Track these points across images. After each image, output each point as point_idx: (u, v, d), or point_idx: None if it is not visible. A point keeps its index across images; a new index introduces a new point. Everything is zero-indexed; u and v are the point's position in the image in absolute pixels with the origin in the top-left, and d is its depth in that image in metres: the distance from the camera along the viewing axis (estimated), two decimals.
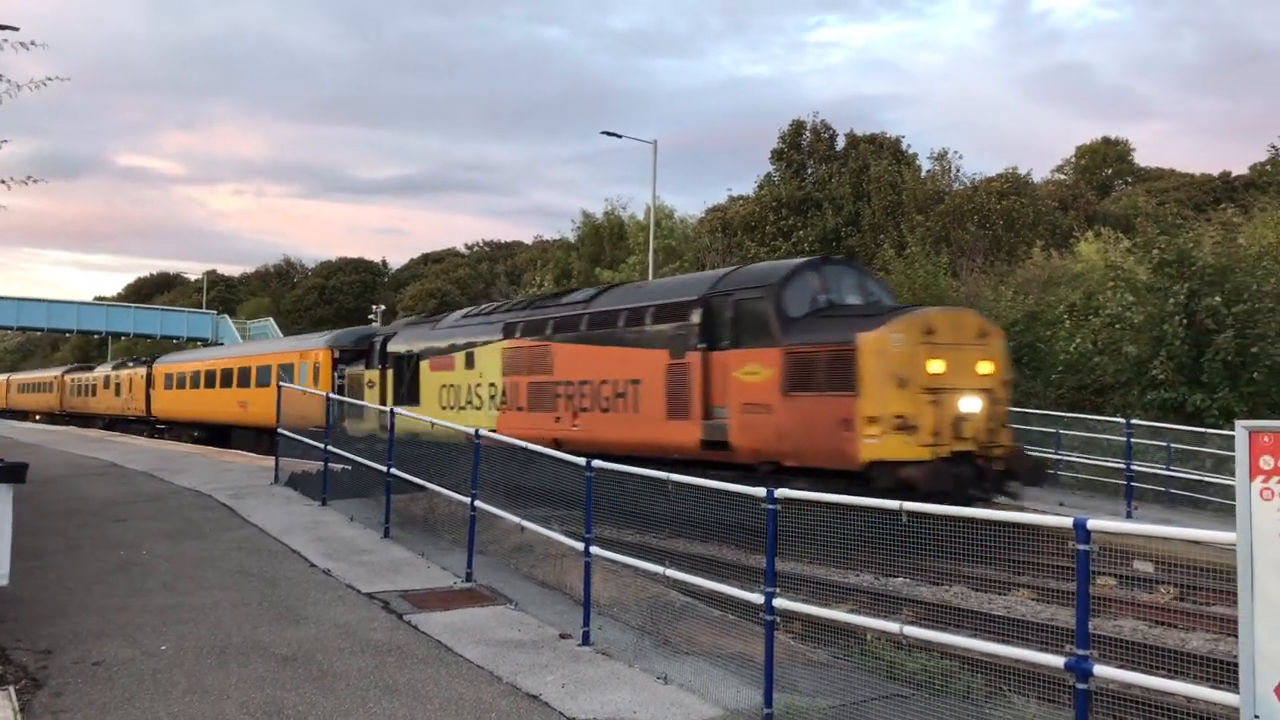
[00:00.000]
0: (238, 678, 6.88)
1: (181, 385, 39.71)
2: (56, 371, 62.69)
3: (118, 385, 47.22)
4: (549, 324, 19.35)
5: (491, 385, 20.39)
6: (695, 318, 15.87)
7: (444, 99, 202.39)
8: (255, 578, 9.96)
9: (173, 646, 7.58)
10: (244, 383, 33.41)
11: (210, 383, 36.88)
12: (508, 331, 20.27)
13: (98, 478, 17.97)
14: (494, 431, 17.16)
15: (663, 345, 16.36)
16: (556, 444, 15.62)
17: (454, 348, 22.01)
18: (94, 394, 50.62)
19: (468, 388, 21.28)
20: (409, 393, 23.24)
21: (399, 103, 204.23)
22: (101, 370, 52.17)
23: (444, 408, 21.80)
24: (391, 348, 24.65)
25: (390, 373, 24.41)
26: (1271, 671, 4.12)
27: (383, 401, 23.75)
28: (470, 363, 21.26)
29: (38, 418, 60.70)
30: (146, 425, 42.36)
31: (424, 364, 23.10)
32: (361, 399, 24.60)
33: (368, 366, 25.85)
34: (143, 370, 44.42)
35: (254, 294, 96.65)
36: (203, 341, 64.01)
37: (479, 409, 20.68)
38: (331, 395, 15.55)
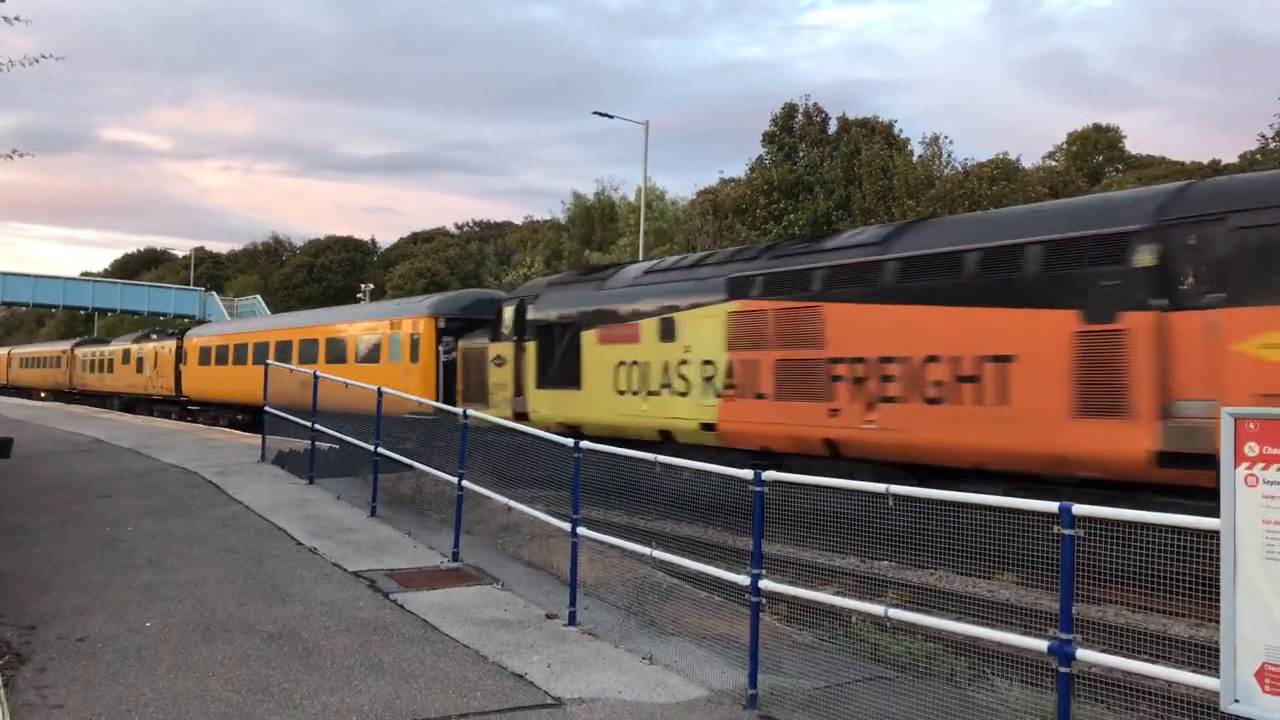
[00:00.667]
0: (223, 655, 6.87)
1: (222, 361, 34.30)
2: (65, 345, 58.26)
3: (140, 360, 42.68)
4: (816, 276, 14.25)
5: (707, 363, 15.55)
6: (1141, 257, 10.66)
7: (435, 78, 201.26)
8: (241, 555, 9.94)
9: (158, 623, 7.57)
10: (308, 358, 28.07)
11: (260, 358, 31.07)
12: (737, 289, 15.34)
13: (84, 454, 17.90)
14: (710, 426, 15.47)
15: (1065, 302, 11.28)
16: (831, 446, 13.75)
17: (638, 314, 17.10)
18: (110, 370, 46.52)
19: (663, 366, 16.39)
20: (563, 372, 18.60)
21: (390, 81, 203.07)
22: (120, 343, 47.44)
23: (621, 392, 17.21)
24: (534, 314, 19.72)
25: (532, 346, 19.56)
26: (1252, 656, 4.15)
27: (519, 384, 19.79)
28: (668, 333, 16.44)
29: (43, 395, 56.70)
30: (175, 406, 38.19)
31: (588, 335, 18.11)
32: (484, 379, 20.82)
33: (494, 339, 20.86)
34: (171, 343, 39.62)
35: (242, 271, 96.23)
36: (190, 319, 63.63)
37: (683, 394, 16.01)
38: (319, 374, 15.44)
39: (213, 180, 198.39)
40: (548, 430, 10.28)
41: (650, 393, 16.62)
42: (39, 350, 64.14)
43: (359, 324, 26.78)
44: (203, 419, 34.13)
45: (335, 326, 28.10)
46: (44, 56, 12.16)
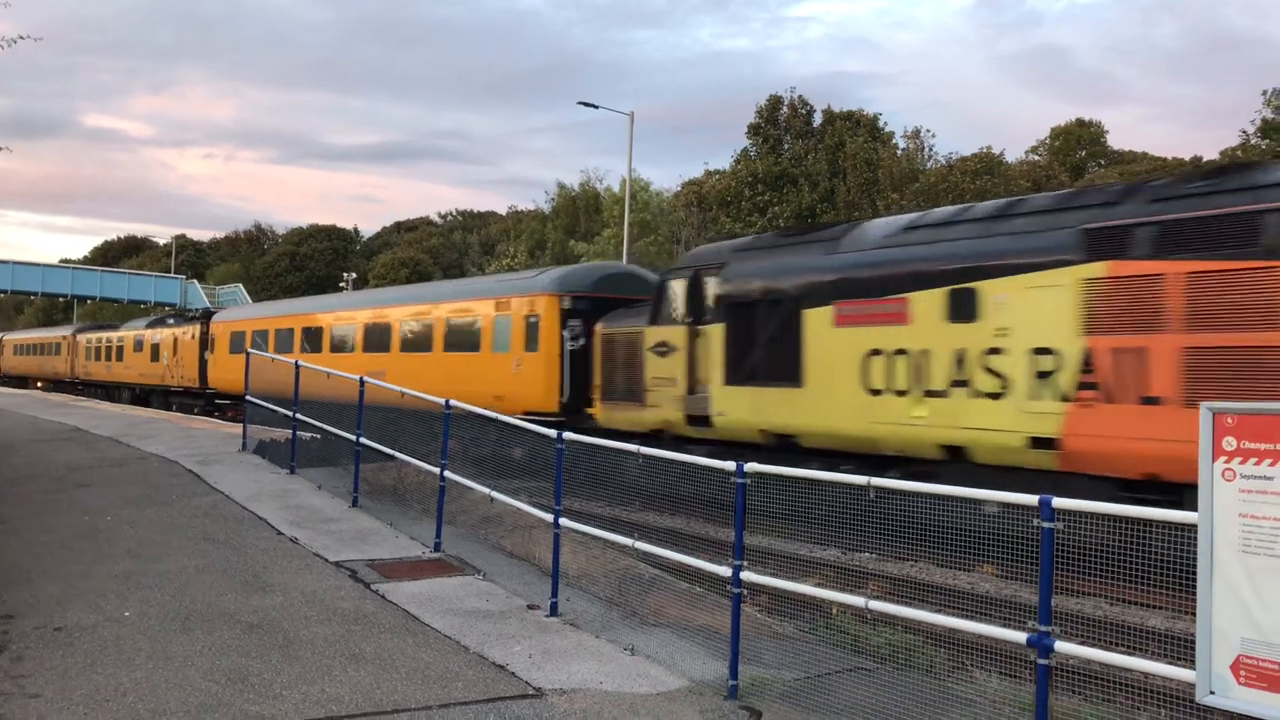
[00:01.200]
0: (202, 645, 6.84)
1: (260, 349, 27.61)
2: (66, 330, 52.93)
3: (155, 347, 37.89)
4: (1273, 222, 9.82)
5: (1042, 352, 11.42)
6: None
7: (420, 67, 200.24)
8: (221, 545, 9.89)
9: (136, 613, 7.52)
10: (376, 345, 23.94)
11: (314, 344, 26.31)
12: (1102, 245, 11.05)
13: (62, 443, 17.76)
14: (1047, 442, 11.25)
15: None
16: None
17: (905, 283, 12.88)
18: (119, 358, 42.06)
19: (954, 356, 12.27)
20: (771, 364, 14.56)
21: (374, 69, 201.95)
22: (131, 328, 42.53)
23: (876, 391, 13.13)
24: (720, 288, 15.63)
25: (717, 330, 15.49)
26: (1227, 649, 4.19)
27: (695, 379, 15.89)
28: (963, 309, 12.23)
29: (40, 385, 52.45)
30: (198, 400, 33.56)
31: (814, 315, 13.94)
32: (637, 373, 17.02)
33: (655, 321, 16.82)
34: (194, 328, 34.42)
35: (223, 260, 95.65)
36: (170, 306, 63.10)
37: (994, 395, 11.86)
38: (301, 363, 15.35)
39: (194, 168, 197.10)
40: (743, 439, 8.65)
41: (931, 393, 12.51)
42: (36, 336, 59.03)
43: (449, 304, 22.00)
44: (234, 414, 28.14)
45: (416, 308, 23.08)
46: (21, 37, 12.02)
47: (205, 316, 35.51)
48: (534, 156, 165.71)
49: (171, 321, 39.64)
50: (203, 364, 33.55)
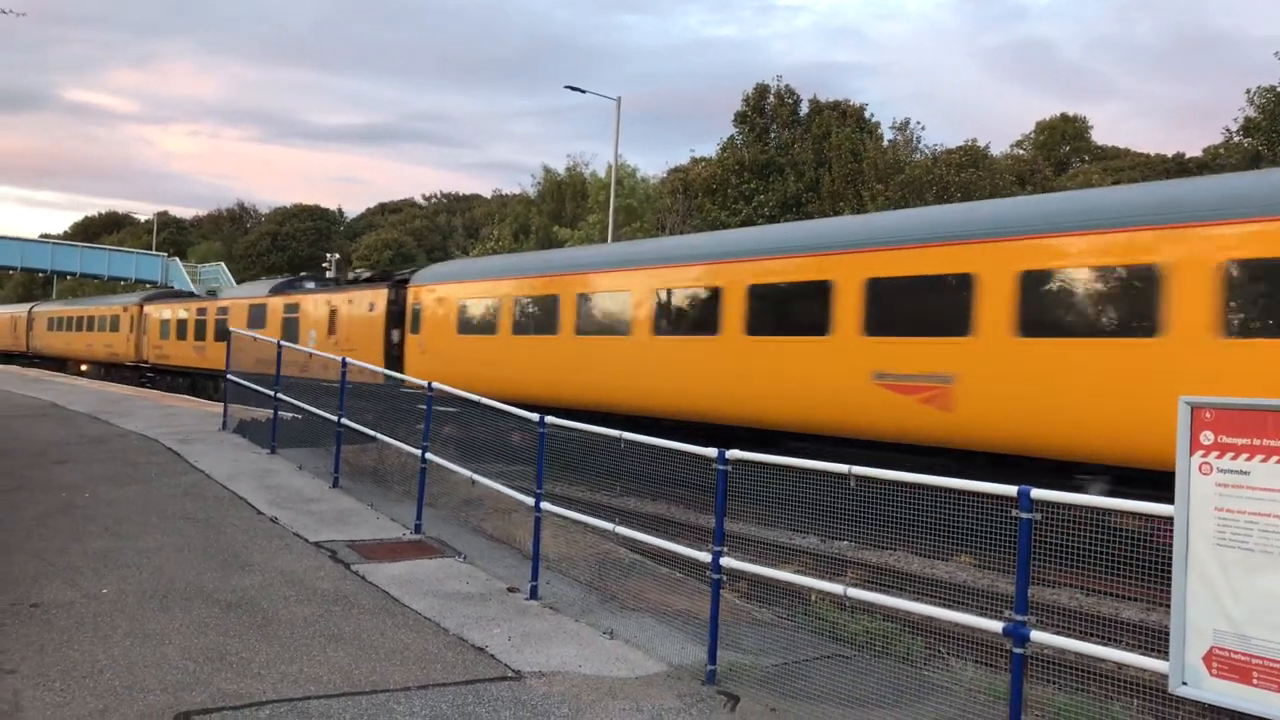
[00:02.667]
0: (180, 623, 6.82)
1: (522, 329, 19.92)
2: (128, 300, 41.53)
3: (290, 323, 27.83)
4: None
5: None
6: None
7: (404, 47, 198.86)
8: (200, 523, 9.85)
9: (114, 590, 7.49)
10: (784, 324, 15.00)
11: (604, 319, 17.98)
12: None
13: (39, 418, 17.62)
14: None
15: None
16: None
17: None
18: (218, 337, 30.62)
19: None
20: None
21: (358, 49, 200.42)
22: (239, 296, 32.15)
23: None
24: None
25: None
26: (1200, 640, 4.25)
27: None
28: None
29: (85, 369, 42.79)
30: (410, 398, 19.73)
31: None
32: None
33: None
34: (379, 296, 24.45)
35: (205, 238, 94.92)
36: (151, 284, 62.36)
37: None
38: (283, 342, 15.26)
39: (177, 145, 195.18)
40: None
41: None
42: (81, 308, 46.93)
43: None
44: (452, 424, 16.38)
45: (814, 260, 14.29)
46: (4, 11, 11.85)
47: (394, 279, 25.33)
48: (517, 140, 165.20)
49: (310, 285, 29.39)
50: (394, 348, 23.76)
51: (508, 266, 22.05)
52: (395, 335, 23.81)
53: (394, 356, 23.52)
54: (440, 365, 21.68)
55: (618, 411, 16.21)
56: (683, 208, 44.17)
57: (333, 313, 26.20)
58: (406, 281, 24.25)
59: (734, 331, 15.43)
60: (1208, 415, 4.32)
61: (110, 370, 40.22)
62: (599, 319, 18.24)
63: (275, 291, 29.74)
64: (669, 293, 16.92)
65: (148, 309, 38.11)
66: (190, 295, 39.73)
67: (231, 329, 18.16)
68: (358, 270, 30.15)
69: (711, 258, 16.29)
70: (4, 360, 51.47)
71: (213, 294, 36.45)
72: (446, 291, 22.73)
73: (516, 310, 20.26)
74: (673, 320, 16.81)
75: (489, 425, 10.66)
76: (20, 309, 57.10)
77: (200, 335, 33.18)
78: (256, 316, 29.54)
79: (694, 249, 17.34)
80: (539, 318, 19.71)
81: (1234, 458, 4.22)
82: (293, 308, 28.10)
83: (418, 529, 10.12)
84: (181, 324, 34.90)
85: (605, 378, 17.75)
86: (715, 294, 15.85)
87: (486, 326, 21.07)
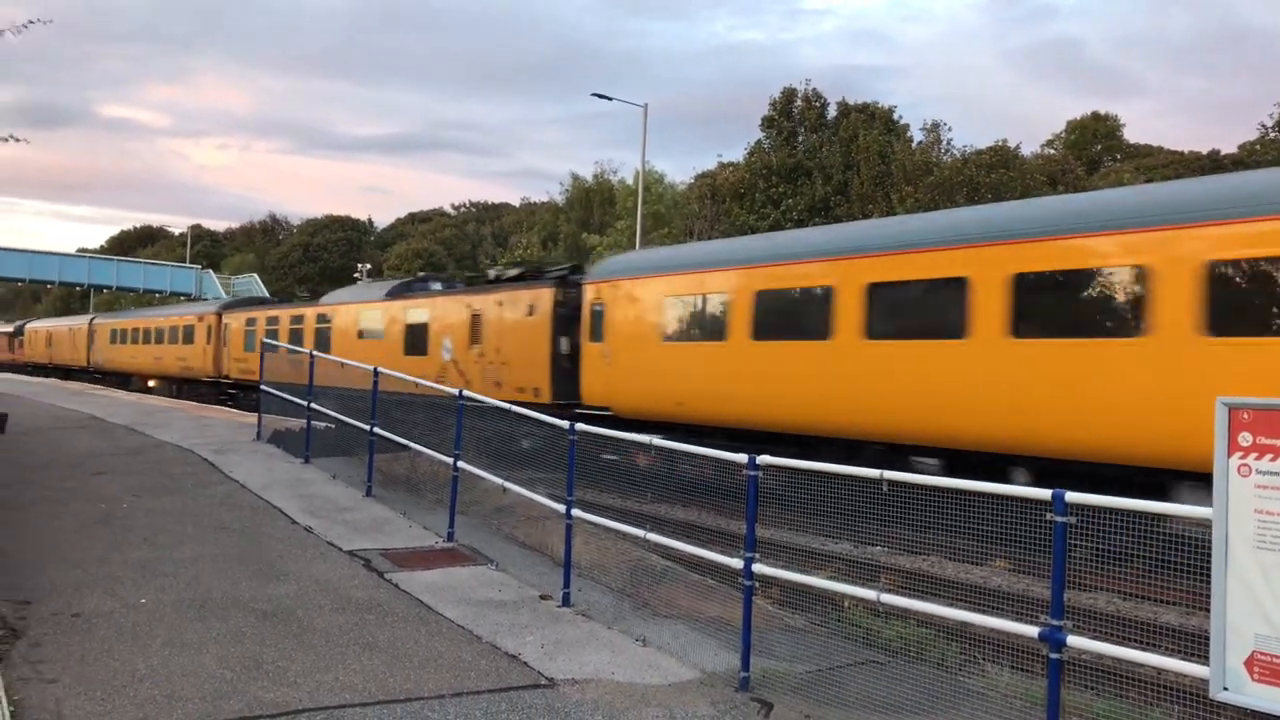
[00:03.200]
0: (217, 632, 6.89)
1: (765, 333, 15.59)
2: (205, 308, 37.80)
3: (415, 332, 23.75)
4: None
5: None
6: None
7: (432, 57, 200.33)
8: (236, 533, 9.95)
9: (152, 600, 7.58)
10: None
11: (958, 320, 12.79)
12: None
13: (79, 430, 17.88)
14: None
15: None
16: None
17: None
18: (327, 348, 25.28)
19: None
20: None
21: (386, 59, 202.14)
22: (352, 296, 28.21)
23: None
24: None
25: None
26: (1241, 644, 4.18)
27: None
28: None
29: (153, 385, 38.95)
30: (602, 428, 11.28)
31: None
32: None
33: None
34: (542, 296, 20.04)
35: (238, 250, 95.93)
36: (185, 296, 63.00)
37: None
38: (316, 353, 15.40)
39: (209, 158, 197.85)
40: None
41: None
42: (148, 318, 42.59)
43: None
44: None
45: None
46: (31, 22, 12.04)
47: (537, 274, 21.68)
48: (545, 148, 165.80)
49: (435, 285, 25.55)
50: (559, 360, 19.52)
51: (744, 251, 17.07)
52: (564, 344, 19.48)
53: (563, 370, 19.31)
54: (636, 381, 17.64)
55: (952, 445, 12.72)
56: (710, 213, 44.13)
57: (475, 318, 21.88)
58: (576, 277, 20.28)
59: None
60: (1245, 416, 4.26)
61: (184, 387, 36.12)
62: (908, 318, 13.75)
63: (393, 295, 25.46)
64: (1039, 279, 12.14)
65: (227, 318, 34.28)
66: (278, 301, 37.04)
67: (264, 340, 18.30)
68: (499, 268, 24.65)
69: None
70: (63, 376, 48.59)
71: (310, 298, 33.35)
72: (644, 288, 17.95)
73: (759, 308, 15.64)
74: (1055, 316, 12.11)
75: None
76: (80, 321, 53.23)
77: (185, 340, 30.64)
78: (370, 324, 25.68)
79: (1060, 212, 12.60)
80: (799, 317, 15.13)
81: (1274, 459, 4.15)
82: (419, 312, 23.93)
83: (450, 537, 10.16)
84: (271, 335, 30.04)
85: (918, 399, 13.14)
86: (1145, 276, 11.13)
87: (709, 329, 16.62)
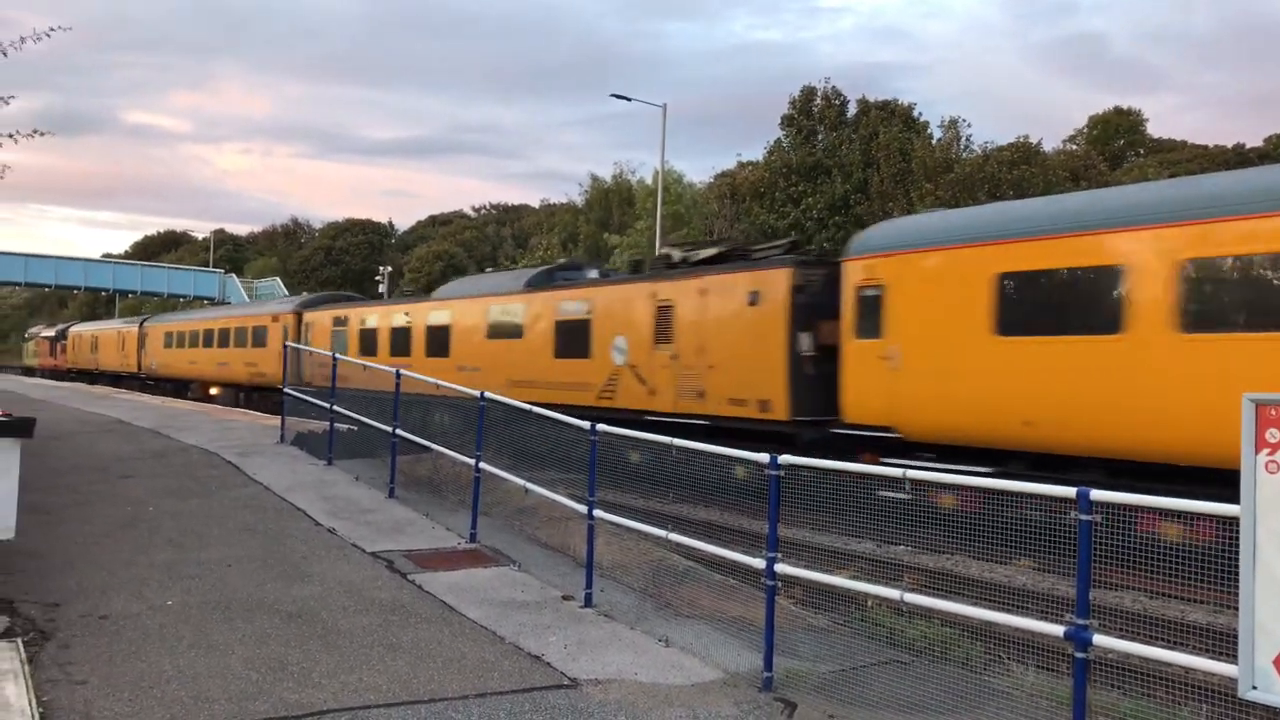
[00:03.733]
0: (242, 633, 6.94)
1: (1218, 316, 11.01)
2: (280, 306, 33.99)
3: (561, 328, 20.21)
4: None
5: None
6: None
7: (450, 60, 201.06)
8: (260, 535, 10.02)
9: (179, 601, 7.64)
10: None
11: None
12: None
13: (105, 434, 18.05)
14: None
15: None
16: None
17: None
18: (444, 350, 23.55)
19: None
20: None
21: (405, 62, 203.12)
22: (476, 289, 24.34)
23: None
24: None
25: None
26: (1270, 643, 4.13)
27: None
28: None
29: (215, 393, 35.21)
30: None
31: None
32: None
33: None
34: (777, 274, 15.97)
35: (260, 254, 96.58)
36: (209, 300, 63.45)
37: None
38: (339, 355, 15.47)
39: (231, 163, 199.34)
40: None
41: None
42: (211, 319, 38.51)
43: None
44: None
45: None
46: (52, 30, 12.17)
47: (743, 254, 18.04)
48: (565, 150, 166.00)
49: (595, 274, 22.16)
50: (797, 363, 15.57)
51: (1173, 201, 11.73)
52: (805, 342, 15.36)
53: (805, 377, 15.33)
54: (945, 392, 13.34)
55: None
56: (730, 212, 44.05)
57: (662, 310, 17.76)
58: (817, 256, 16.82)
59: None
60: (1273, 412, 4.21)
61: (253, 395, 32.28)
62: None
63: (536, 284, 21.75)
64: None
65: (310, 317, 30.40)
66: (361, 299, 32.87)
67: (288, 344, 18.35)
68: (683, 250, 19.81)
69: None
70: (111, 382, 45.49)
71: (416, 293, 28.25)
72: (958, 262, 13.47)
73: (1193, 284, 11.16)
74: None
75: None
76: (130, 324, 49.16)
77: (401, 349, 24.76)
78: (504, 320, 21.98)
79: None
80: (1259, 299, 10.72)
81: None
82: (575, 305, 20.03)
83: (473, 538, 10.19)
84: (369, 335, 26.71)
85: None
86: None
87: (1090, 317, 12.03)
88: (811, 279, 15.78)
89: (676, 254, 19.76)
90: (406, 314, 25.79)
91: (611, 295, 19.46)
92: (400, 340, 25.23)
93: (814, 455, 9.45)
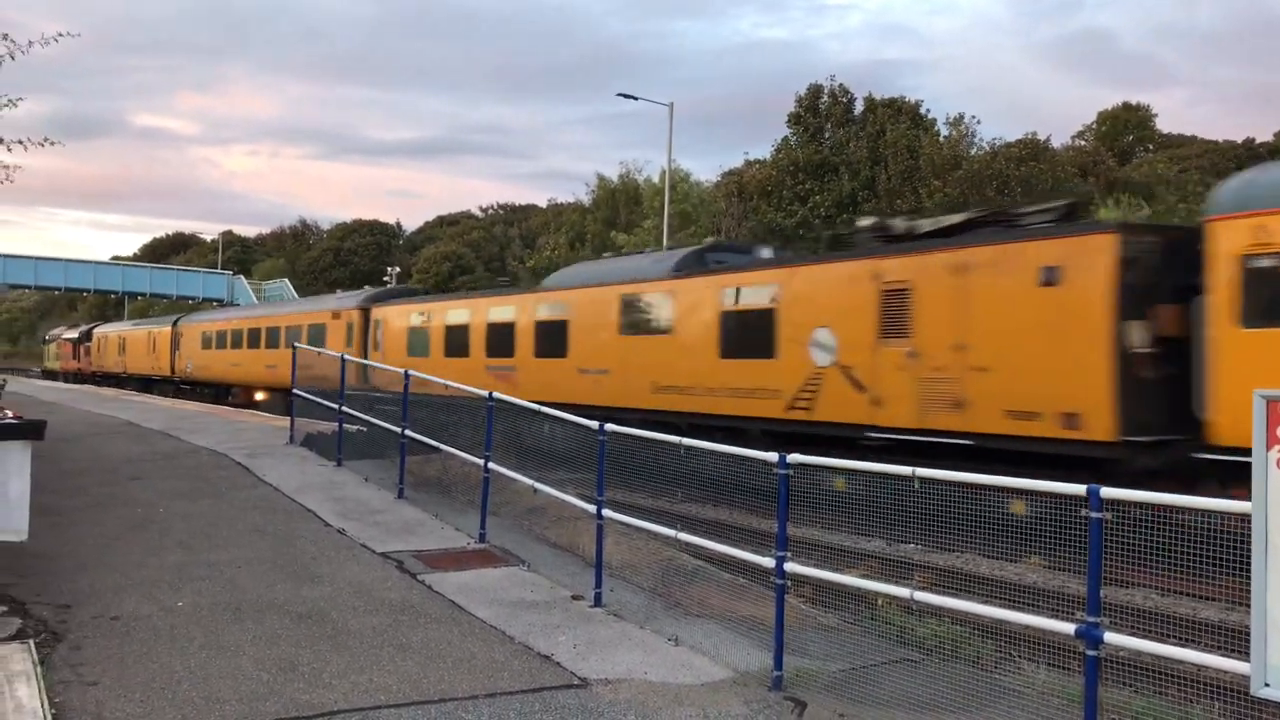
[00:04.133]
0: (253, 634, 6.96)
1: None
2: (343, 302, 29.75)
3: (733, 318, 16.68)
4: None
5: None
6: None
7: (456, 60, 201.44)
8: (270, 536, 10.04)
9: (189, 603, 7.67)
10: None
11: None
12: None
13: (115, 436, 18.11)
14: None
15: None
16: None
17: None
18: (561, 350, 20.14)
19: None
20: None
21: (411, 63, 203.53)
22: (598, 273, 20.96)
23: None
24: None
25: None
26: None
27: None
28: None
29: (262, 398, 30.90)
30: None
31: None
32: None
33: None
34: (1089, 243, 12.10)
35: (269, 255, 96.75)
36: (218, 302, 63.60)
37: None
38: (346, 356, 15.50)
39: (239, 164, 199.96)
40: None
41: None
42: (257, 316, 34.93)
43: None
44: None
45: None
46: (60, 35, 12.19)
47: (1015, 224, 14.06)
48: (571, 149, 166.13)
49: (768, 254, 19.13)
50: (1128, 363, 11.84)
51: None
52: (1137, 335, 11.81)
53: (1138, 382, 11.72)
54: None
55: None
56: (738, 211, 44.03)
57: (889, 296, 14.26)
58: (1149, 222, 13.08)
59: None
60: None
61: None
62: None
63: (687, 269, 18.19)
64: None
65: (379, 313, 26.61)
66: (450, 292, 27.47)
67: (297, 345, 18.39)
68: (908, 220, 16.30)
69: None
70: (143, 387, 42.29)
71: (513, 284, 23.85)
72: None
73: None
74: None
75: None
76: (162, 324, 44.96)
77: (501, 349, 21.75)
78: (645, 314, 18.49)
79: None
80: None
81: None
82: (751, 292, 16.55)
83: (482, 538, 10.20)
84: (458, 334, 23.25)
85: None
86: None
87: None
88: (1144, 249, 12.11)
89: (900, 224, 15.98)
90: (509, 308, 22.26)
91: (807, 278, 15.71)
92: (500, 339, 21.75)
93: (1154, 489, 6.83)
